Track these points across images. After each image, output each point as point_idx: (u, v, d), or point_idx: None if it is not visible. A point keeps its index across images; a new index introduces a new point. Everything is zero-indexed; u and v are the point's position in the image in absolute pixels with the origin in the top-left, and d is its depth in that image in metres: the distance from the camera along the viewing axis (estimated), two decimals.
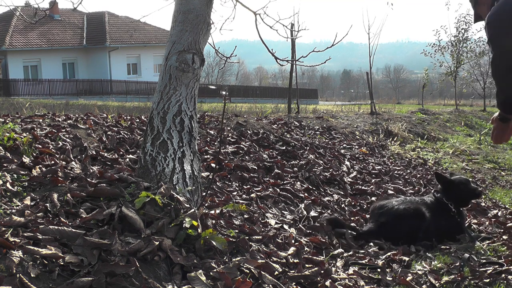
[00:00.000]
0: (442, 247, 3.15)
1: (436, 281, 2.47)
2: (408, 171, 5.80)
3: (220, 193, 3.32)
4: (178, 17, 3.49)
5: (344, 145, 6.38)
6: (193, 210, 2.33)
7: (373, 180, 4.92)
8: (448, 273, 2.59)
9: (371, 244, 3.14)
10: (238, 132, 5.25)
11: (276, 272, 2.27)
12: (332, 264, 2.70)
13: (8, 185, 2.39)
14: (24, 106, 7.34)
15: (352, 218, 3.69)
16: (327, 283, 2.31)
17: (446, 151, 7.75)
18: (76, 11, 28.83)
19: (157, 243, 2.07)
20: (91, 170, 2.92)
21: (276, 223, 3.07)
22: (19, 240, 1.89)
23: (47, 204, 2.26)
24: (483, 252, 2.99)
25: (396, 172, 5.50)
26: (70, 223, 2.13)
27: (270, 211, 3.32)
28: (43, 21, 19.91)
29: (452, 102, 24.70)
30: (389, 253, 2.93)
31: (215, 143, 4.54)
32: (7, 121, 3.76)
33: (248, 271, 2.17)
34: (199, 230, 2.25)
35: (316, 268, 2.39)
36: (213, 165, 3.77)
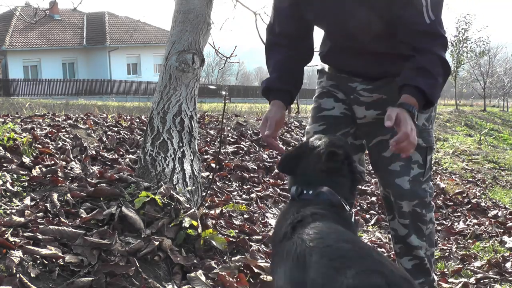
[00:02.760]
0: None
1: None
2: None
3: (220, 193, 3.32)
4: (178, 17, 3.49)
5: None
6: (193, 210, 2.33)
7: (373, 180, 4.92)
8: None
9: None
10: (238, 132, 5.25)
11: None
12: None
13: (8, 185, 2.39)
14: (24, 106, 7.34)
15: None
16: None
17: (446, 151, 7.75)
18: (76, 11, 28.81)
19: (157, 243, 2.07)
20: (91, 170, 2.92)
21: None
22: (19, 240, 1.89)
23: (47, 204, 2.26)
24: None
25: None
26: (70, 223, 2.13)
27: (270, 211, 3.32)
28: (43, 21, 19.86)
29: (452, 102, 24.70)
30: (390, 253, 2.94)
31: (215, 143, 4.54)
32: (7, 121, 3.76)
33: (248, 271, 2.17)
34: (199, 230, 2.25)
35: None
36: (213, 165, 3.77)
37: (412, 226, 1.95)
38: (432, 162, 2.01)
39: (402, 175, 1.90)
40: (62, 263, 1.84)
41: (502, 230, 3.63)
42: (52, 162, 2.87)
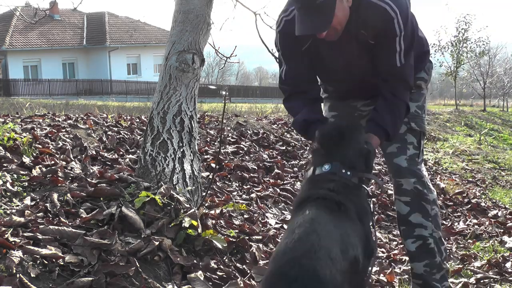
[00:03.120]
0: None
1: None
2: None
3: (220, 193, 3.32)
4: (178, 17, 3.49)
5: None
6: (193, 210, 2.33)
7: (372, 181, 4.92)
8: None
9: None
10: (238, 132, 5.25)
11: None
12: None
13: (8, 185, 2.39)
14: (24, 106, 7.33)
15: None
16: None
17: (446, 151, 7.75)
18: (76, 11, 28.78)
19: (157, 243, 2.07)
20: (91, 170, 2.92)
21: (276, 223, 3.08)
22: (19, 240, 1.89)
23: (47, 204, 2.26)
24: None
25: None
26: (70, 223, 2.13)
27: (270, 211, 3.32)
28: (43, 21, 19.86)
29: (452, 102, 24.69)
30: (390, 253, 2.94)
31: (215, 143, 4.54)
32: (7, 121, 3.76)
33: (247, 271, 2.17)
34: (199, 230, 2.25)
35: None
36: (213, 165, 3.77)
37: (414, 205, 2.06)
38: (423, 147, 2.16)
39: (399, 154, 2.08)
40: (62, 263, 1.84)
41: (502, 230, 3.63)
42: (52, 162, 2.87)
